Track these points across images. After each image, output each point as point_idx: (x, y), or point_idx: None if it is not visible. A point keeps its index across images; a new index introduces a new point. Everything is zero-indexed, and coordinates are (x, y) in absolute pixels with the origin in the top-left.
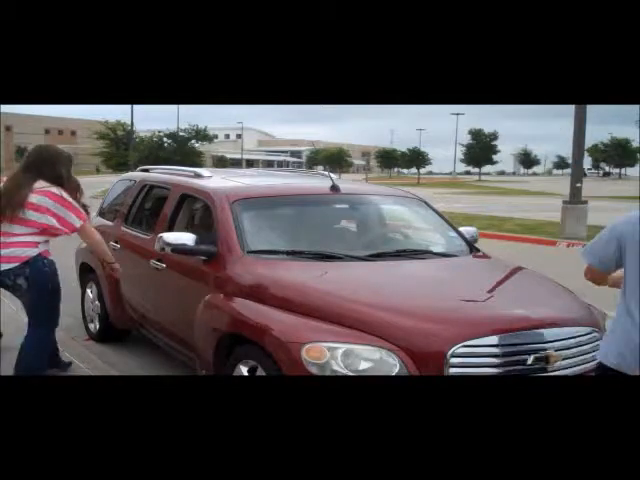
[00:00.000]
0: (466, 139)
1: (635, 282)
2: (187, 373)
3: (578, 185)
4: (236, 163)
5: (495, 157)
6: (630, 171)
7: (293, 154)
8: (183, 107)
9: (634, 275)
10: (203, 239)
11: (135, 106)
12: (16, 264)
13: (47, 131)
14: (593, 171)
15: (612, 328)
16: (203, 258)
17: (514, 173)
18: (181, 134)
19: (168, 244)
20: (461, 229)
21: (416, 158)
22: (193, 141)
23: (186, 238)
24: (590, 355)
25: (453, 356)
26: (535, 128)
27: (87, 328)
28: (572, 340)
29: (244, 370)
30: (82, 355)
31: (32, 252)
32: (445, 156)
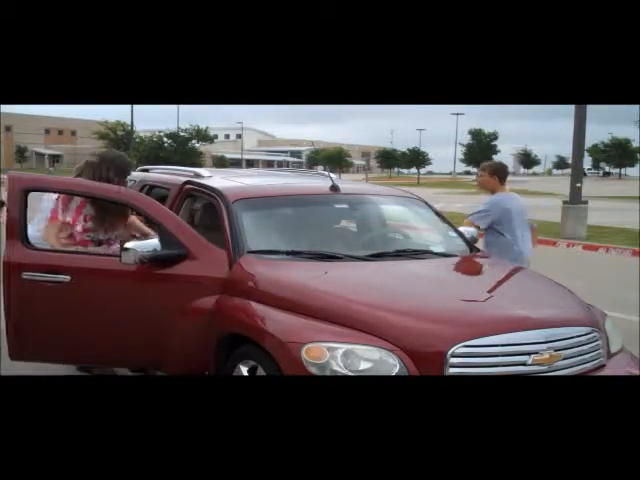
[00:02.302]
0: (466, 139)
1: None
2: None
3: (578, 185)
4: (236, 163)
5: (495, 157)
6: (630, 171)
7: (293, 154)
8: (183, 107)
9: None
10: (167, 243)
11: (135, 106)
12: None
13: (47, 131)
14: (593, 171)
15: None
16: (165, 262)
17: (514, 173)
18: (181, 134)
19: (142, 254)
20: (461, 229)
21: (416, 158)
22: (193, 141)
23: (154, 244)
24: (590, 355)
25: (453, 356)
26: (535, 128)
27: None
28: (572, 340)
29: (244, 370)
30: None
31: None
32: (445, 156)
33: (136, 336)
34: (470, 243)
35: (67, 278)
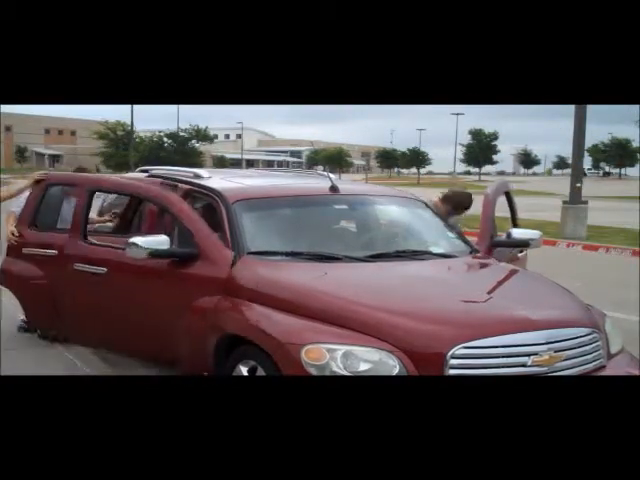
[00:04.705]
0: (466, 139)
1: None
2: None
3: (578, 185)
4: (236, 163)
5: (495, 157)
6: (630, 171)
7: (293, 154)
8: (183, 107)
9: None
10: (179, 240)
11: (135, 106)
12: None
13: (47, 131)
14: (593, 171)
15: None
16: (180, 260)
17: (514, 173)
18: (181, 134)
19: (144, 248)
20: (515, 230)
21: (416, 158)
22: (193, 141)
23: (161, 241)
24: (590, 356)
25: (453, 357)
26: (535, 128)
27: None
28: (572, 341)
29: (244, 370)
30: (82, 355)
31: None
32: (445, 156)
33: (145, 329)
34: (470, 244)
35: (104, 270)
